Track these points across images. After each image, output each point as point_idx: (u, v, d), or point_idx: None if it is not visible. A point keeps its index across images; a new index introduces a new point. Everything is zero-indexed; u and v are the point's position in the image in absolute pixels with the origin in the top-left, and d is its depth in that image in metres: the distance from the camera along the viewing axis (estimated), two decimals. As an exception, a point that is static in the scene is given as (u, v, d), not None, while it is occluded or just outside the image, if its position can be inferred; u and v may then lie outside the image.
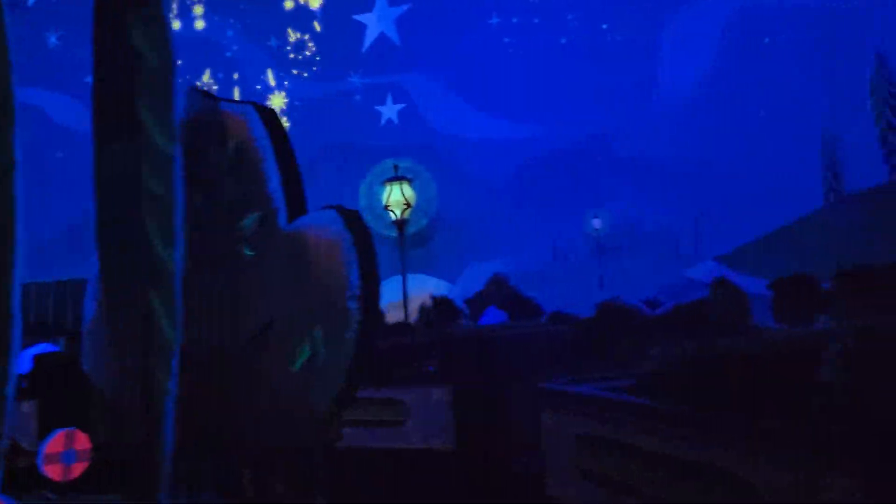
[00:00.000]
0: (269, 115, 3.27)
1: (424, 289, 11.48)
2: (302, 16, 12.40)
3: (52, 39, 13.18)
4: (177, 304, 2.63)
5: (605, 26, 11.07)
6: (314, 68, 12.27)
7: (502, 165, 11.29)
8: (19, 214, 2.29)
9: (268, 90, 12.41)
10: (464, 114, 11.59)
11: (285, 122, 11.96)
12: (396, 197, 11.14)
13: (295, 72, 12.37)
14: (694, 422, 1.87)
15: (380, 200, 11.23)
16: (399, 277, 11.17)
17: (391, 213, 11.21)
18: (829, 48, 9.37)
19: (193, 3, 12.87)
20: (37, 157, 12.27)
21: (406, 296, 11.26)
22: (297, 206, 3.32)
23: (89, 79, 2.51)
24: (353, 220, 2.88)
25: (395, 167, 11.26)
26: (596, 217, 11.01)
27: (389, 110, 11.89)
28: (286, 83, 12.36)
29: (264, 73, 12.44)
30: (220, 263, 3.16)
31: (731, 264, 9.69)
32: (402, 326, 5.41)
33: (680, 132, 10.29)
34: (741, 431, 1.69)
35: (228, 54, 12.66)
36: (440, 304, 5.86)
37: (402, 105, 11.87)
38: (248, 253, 2.99)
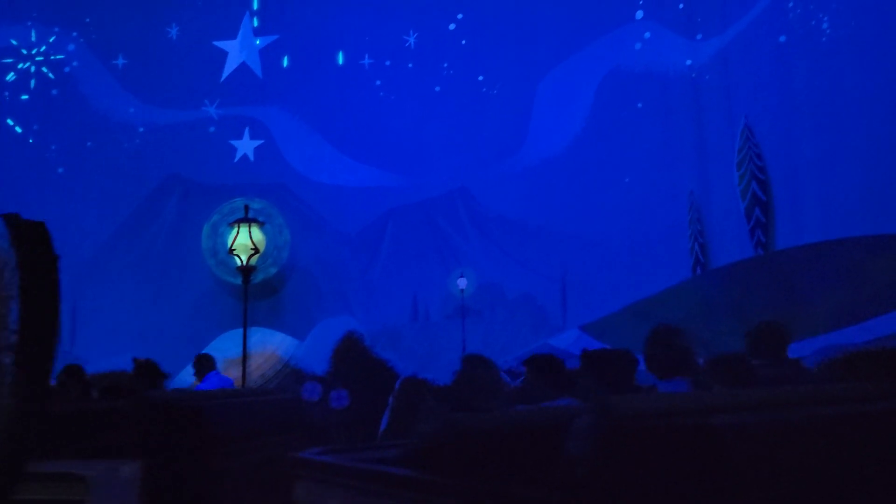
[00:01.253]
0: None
1: (268, 345, 10.36)
2: (156, 36, 11.28)
3: None
4: None
5: (481, 78, 10.60)
6: (165, 94, 11.12)
7: (362, 214, 10.47)
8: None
9: (110, 111, 11.12)
10: (325, 156, 10.74)
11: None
12: (243, 240, 10.05)
13: (142, 95, 11.16)
14: (448, 491, 1.97)
15: (224, 243, 10.11)
16: (240, 331, 10.00)
17: (236, 259, 10.08)
18: (699, 116, 9.23)
19: (31, 11, 11.49)
20: None
21: (245, 352, 10.11)
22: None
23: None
24: (27, 236, 1.97)
25: (246, 207, 10.20)
26: (462, 277, 10.31)
27: (245, 146, 10.87)
28: (131, 108, 11.12)
29: (106, 93, 11.16)
30: None
31: (596, 334, 9.21)
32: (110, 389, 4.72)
33: (548, 193, 9.85)
34: (493, 500, 1.84)
35: (67, 70, 11.31)
36: (142, 367, 5.34)
37: (260, 141, 10.88)
38: None
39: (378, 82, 10.90)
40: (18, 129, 11.09)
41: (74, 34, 11.41)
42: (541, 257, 9.86)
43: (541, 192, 9.93)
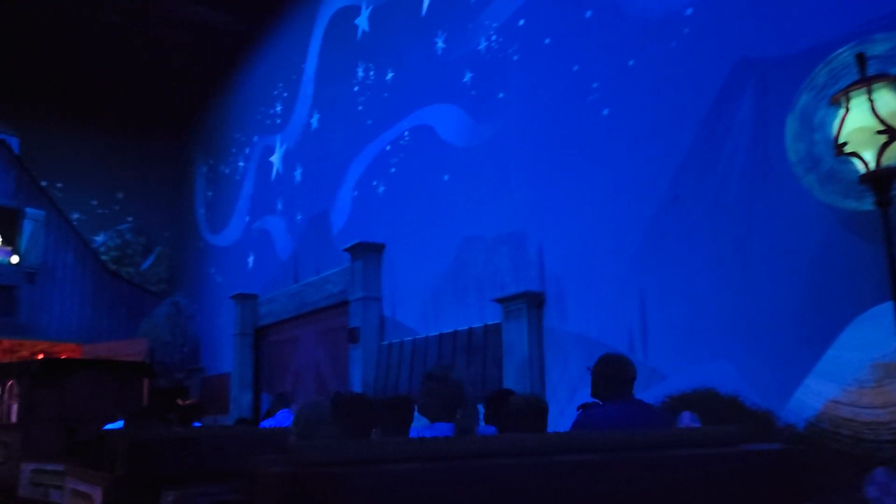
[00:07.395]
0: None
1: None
2: None
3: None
4: None
5: None
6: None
7: None
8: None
9: (648, 8, 7.49)
10: None
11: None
12: (860, 121, 4.96)
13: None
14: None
15: (828, 138, 5.21)
16: (889, 306, 4.84)
17: (854, 162, 5.02)
18: None
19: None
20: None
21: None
22: None
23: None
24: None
25: (860, 56, 5.16)
26: None
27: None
28: (672, -13, 7.22)
29: (641, -16, 7.56)
30: None
31: None
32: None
33: None
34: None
35: (598, -21, 8.20)
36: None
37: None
38: None
39: None
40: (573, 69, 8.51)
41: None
42: None
43: None
